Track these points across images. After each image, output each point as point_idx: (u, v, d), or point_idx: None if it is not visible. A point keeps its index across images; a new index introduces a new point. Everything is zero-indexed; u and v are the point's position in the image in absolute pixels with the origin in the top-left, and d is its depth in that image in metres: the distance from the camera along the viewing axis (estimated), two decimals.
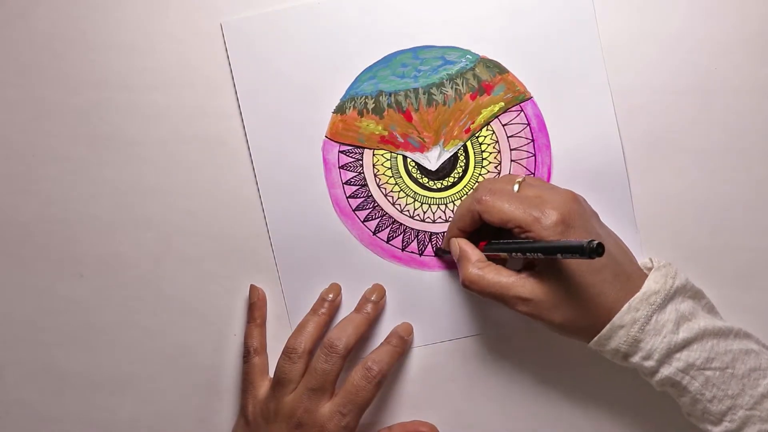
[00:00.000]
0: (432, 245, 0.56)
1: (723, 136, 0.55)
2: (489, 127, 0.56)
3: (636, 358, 0.47)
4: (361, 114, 0.56)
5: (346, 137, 0.56)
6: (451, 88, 0.55)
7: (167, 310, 0.58)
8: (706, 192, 0.55)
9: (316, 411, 0.52)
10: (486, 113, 0.55)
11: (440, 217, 0.56)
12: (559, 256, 0.45)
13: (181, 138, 0.57)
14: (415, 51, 0.55)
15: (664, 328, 0.47)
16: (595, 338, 0.48)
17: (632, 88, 0.55)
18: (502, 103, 0.55)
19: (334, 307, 0.56)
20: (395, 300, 0.57)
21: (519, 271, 0.50)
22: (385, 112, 0.56)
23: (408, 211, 0.56)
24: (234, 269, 0.57)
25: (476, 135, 0.56)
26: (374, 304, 0.56)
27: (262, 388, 0.55)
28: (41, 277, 0.58)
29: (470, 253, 0.51)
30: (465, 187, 0.56)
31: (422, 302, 0.57)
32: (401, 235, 0.56)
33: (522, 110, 0.55)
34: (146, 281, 0.58)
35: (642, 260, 0.51)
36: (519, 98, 0.55)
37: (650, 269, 0.49)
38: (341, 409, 0.52)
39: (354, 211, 0.56)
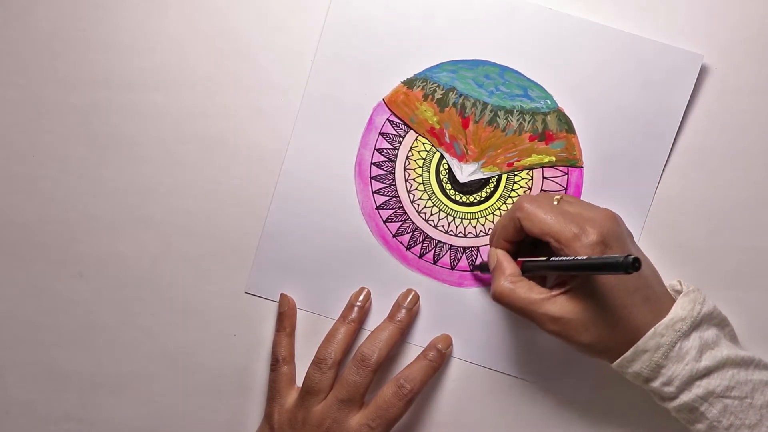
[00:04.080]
0: (428, 249, 0.56)
1: (723, 136, 0.55)
2: (530, 172, 0.55)
3: (656, 383, 0.47)
4: (425, 97, 0.55)
5: (401, 111, 0.56)
6: (517, 120, 0.55)
7: (167, 310, 0.58)
8: (706, 192, 0.55)
9: (344, 422, 0.52)
10: (535, 159, 0.55)
11: (442, 226, 0.56)
12: (594, 272, 0.44)
13: (181, 138, 0.57)
14: (504, 70, 0.55)
15: (687, 355, 0.47)
16: (618, 360, 0.47)
17: None
18: (554, 158, 0.55)
19: (364, 313, 0.56)
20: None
21: (551, 288, 0.49)
22: (448, 108, 0.56)
23: (417, 204, 0.56)
24: (234, 269, 0.57)
25: (515, 172, 0.56)
26: (408, 311, 0.55)
27: (290, 397, 0.55)
28: (41, 277, 0.58)
29: (506, 266, 0.50)
30: (481, 211, 0.56)
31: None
32: (410, 233, 0.56)
33: (567, 174, 0.55)
34: (146, 281, 0.58)
35: (670, 282, 0.51)
36: (571, 162, 0.55)
37: (678, 291, 0.49)
38: (370, 422, 0.52)
39: (371, 179, 0.56)
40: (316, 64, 0.56)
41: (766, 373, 0.49)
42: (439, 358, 0.55)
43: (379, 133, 0.56)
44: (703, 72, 0.55)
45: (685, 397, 0.47)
